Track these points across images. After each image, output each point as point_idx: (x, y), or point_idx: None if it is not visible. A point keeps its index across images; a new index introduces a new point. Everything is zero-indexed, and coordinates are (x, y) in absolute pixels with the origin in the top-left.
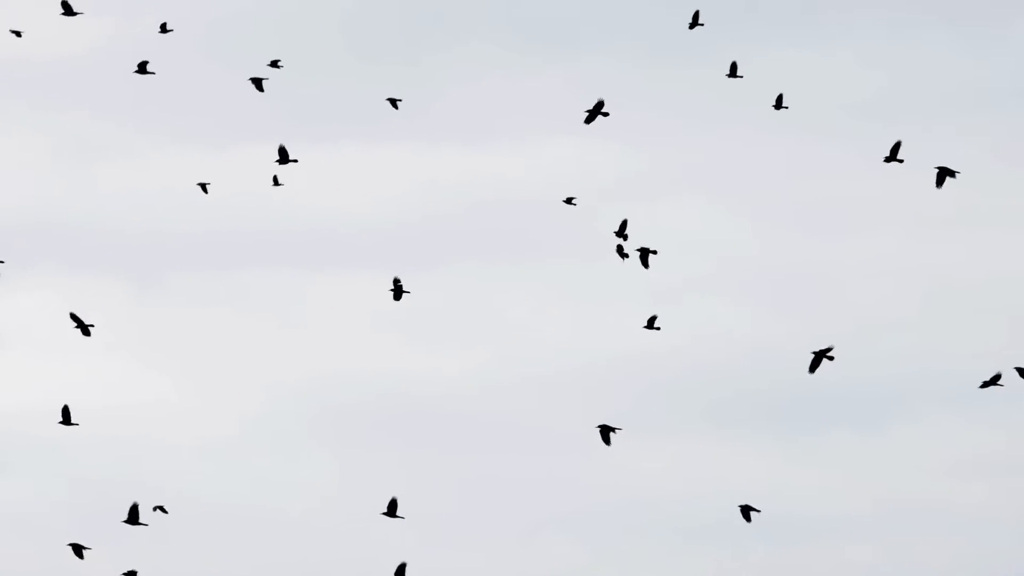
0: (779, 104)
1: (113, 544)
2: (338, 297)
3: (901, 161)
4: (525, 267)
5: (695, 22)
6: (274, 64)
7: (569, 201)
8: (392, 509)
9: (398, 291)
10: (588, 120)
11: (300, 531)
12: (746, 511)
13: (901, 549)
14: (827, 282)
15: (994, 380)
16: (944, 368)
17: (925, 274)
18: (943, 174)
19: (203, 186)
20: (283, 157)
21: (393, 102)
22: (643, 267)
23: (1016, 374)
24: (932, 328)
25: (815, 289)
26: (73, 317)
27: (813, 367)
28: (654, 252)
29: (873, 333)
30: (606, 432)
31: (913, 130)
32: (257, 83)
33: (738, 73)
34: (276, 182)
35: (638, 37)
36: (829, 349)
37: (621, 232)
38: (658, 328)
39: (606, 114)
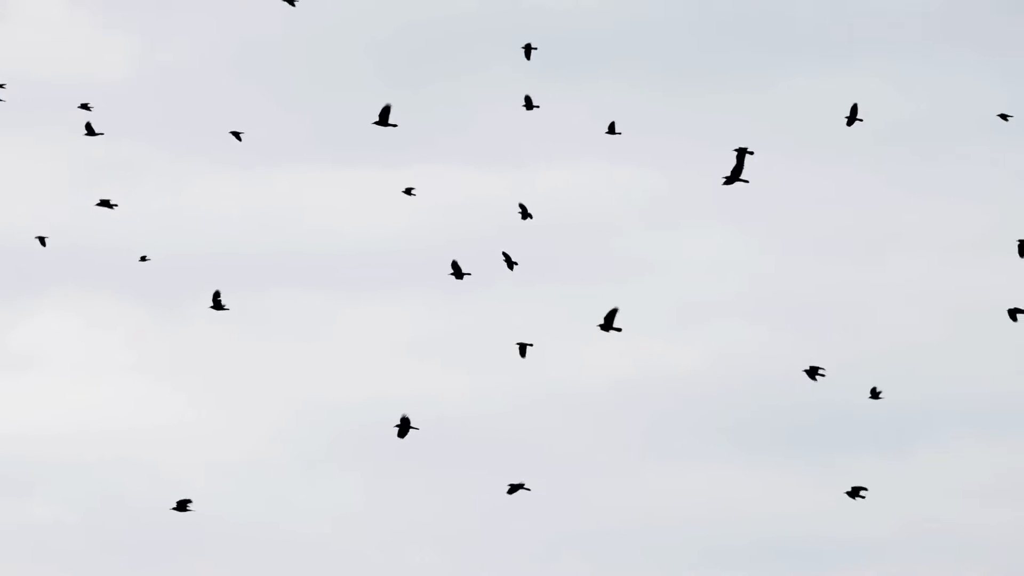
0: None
1: (135, 563)
2: (362, 319)
3: (743, 178)
4: (549, 289)
5: (528, 51)
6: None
7: (408, 192)
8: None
9: (218, 304)
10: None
11: (323, 552)
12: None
13: (925, 573)
14: (852, 306)
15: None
16: (969, 392)
17: (950, 298)
18: (741, 156)
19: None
20: (105, 203)
21: (236, 135)
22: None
23: None
24: (957, 352)
25: (839, 313)
26: None
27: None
28: (516, 263)
29: (898, 357)
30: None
31: (942, 156)
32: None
33: (616, 130)
34: (144, 258)
35: (664, 63)
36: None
37: (524, 214)
38: (530, 344)
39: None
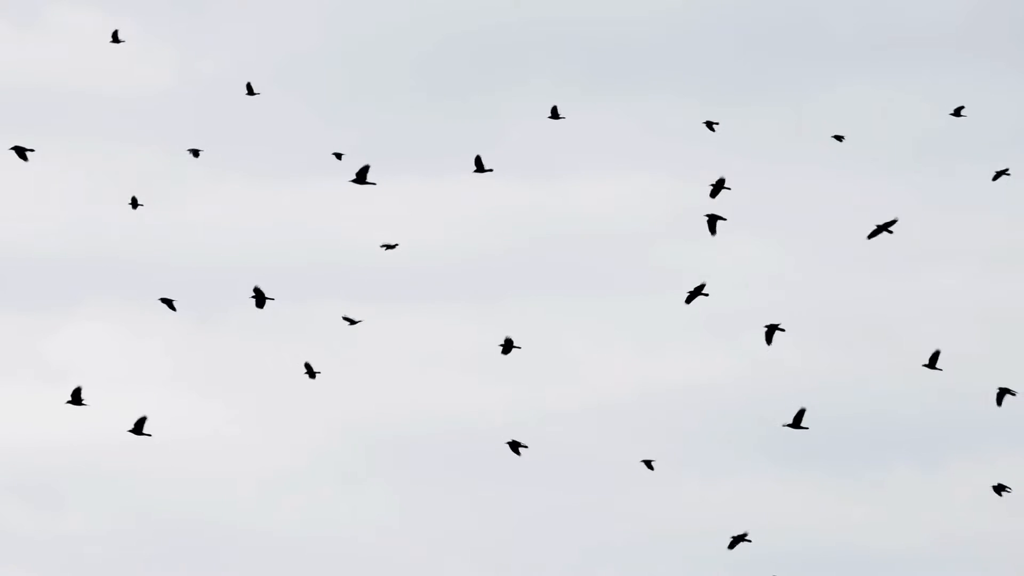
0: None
1: None
2: (400, 331)
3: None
4: (583, 301)
5: (250, 90)
6: (195, 152)
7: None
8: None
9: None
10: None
11: (359, 564)
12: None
13: None
14: (888, 318)
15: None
16: (1004, 403)
17: (988, 310)
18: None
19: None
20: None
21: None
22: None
23: None
24: (995, 363)
25: (876, 325)
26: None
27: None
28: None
29: (935, 369)
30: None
31: (975, 168)
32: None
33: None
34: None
35: (699, 73)
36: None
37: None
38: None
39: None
